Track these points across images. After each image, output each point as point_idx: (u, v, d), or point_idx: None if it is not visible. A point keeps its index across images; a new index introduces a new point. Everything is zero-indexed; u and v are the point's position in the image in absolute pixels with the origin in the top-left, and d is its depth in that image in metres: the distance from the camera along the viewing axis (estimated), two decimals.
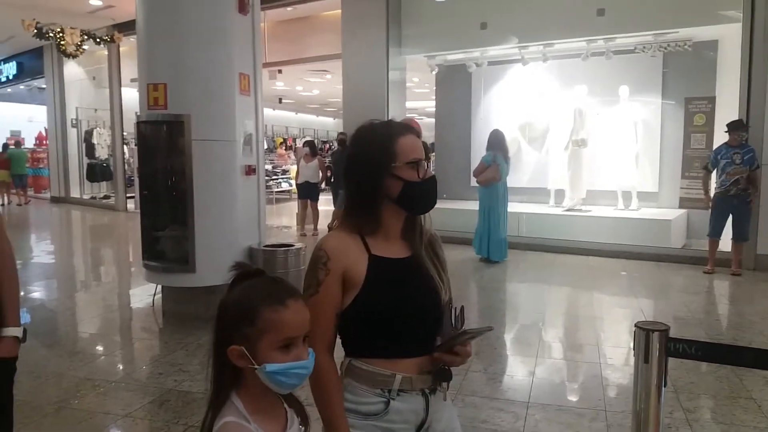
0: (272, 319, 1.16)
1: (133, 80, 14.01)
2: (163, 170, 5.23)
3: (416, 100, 18.25)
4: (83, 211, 14.56)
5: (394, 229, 1.52)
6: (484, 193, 7.97)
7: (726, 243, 7.23)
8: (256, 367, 1.15)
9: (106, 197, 15.25)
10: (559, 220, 9.13)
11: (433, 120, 18.29)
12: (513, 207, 8.51)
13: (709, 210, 7.27)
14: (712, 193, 7.25)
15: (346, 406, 1.45)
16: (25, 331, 1.78)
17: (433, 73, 11.12)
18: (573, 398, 3.83)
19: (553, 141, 10.36)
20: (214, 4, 5.13)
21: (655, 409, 1.60)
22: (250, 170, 5.43)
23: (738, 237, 7.05)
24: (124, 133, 14.44)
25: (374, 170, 1.48)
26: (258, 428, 1.16)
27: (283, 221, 11.55)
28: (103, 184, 15.55)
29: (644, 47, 9.01)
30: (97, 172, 15.14)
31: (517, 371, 4.20)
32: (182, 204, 5.07)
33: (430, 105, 18.46)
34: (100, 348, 4.94)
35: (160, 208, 5.29)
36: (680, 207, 8.72)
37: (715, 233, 7.15)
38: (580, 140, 9.47)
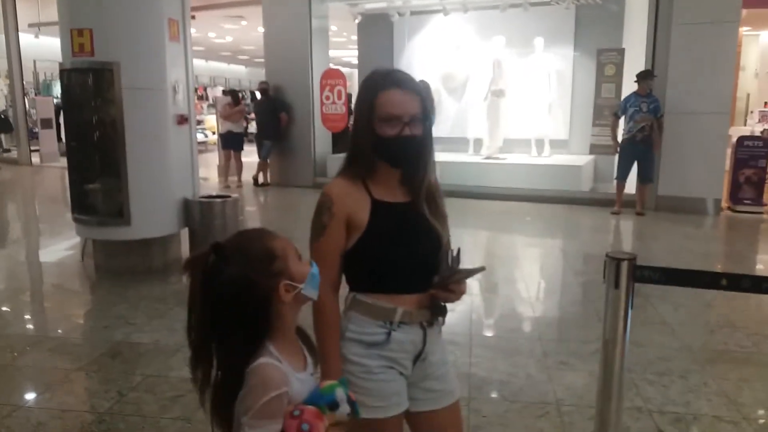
0: (281, 244, 1.29)
1: (31, 25, 12.96)
2: (92, 120, 4.99)
3: (335, 49, 17.98)
4: None
5: (392, 175, 1.59)
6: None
7: (631, 186, 7.85)
8: (301, 286, 1.27)
9: (6, 150, 14.19)
10: (478, 167, 9.52)
11: (351, 70, 18.19)
12: (436, 156, 8.74)
13: (617, 155, 7.85)
14: (619, 139, 7.80)
15: (351, 337, 1.57)
16: None
17: (356, 21, 11.03)
18: (508, 332, 4.17)
19: (472, 91, 10.65)
20: None
21: (623, 331, 1.84)
22: (182, 119, 5.29)
23: (643, 179, 7.68)
24: (24, 83, 13.36)
25: (360, 121, 1.55)
26: (289, 367, 1.26)
27: (201, 173, 11.22)
28: (2, 136, 14.41)
29: (558, 0, 9.38)
30: None
31: (453, 310, 4.49)
32: (113, 155, 4.89)
33: (348, 54, 18.30)
34: (35, 305, 4.79)
35: (89, 160, 5.07)
36: (591, 153, 9.31)
37: (622, 176, 7.75)
38: (498, 90, 9.80)
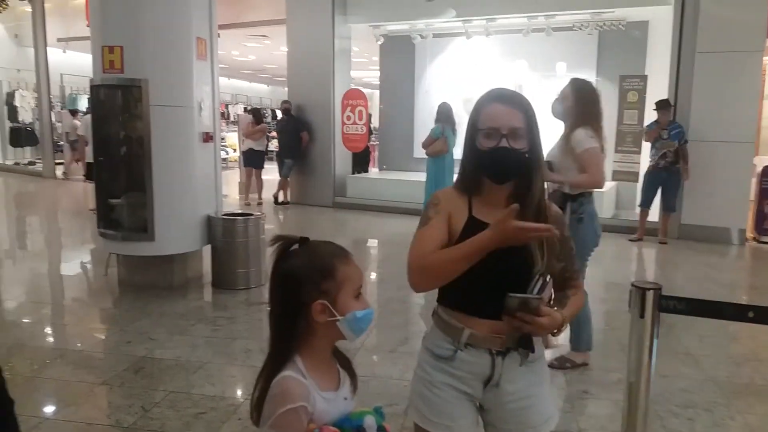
0: (347, 272, 1.30)
1: (60, 40, 13.26)
2: (119, 136, 5.07)
3: (356, 70, 18.18)
4: (6, 177, 13.73)
5: (496, 195, 1.56)
6: (431, 165, 8.16)
7: (654, 214, 7.78)
8: (339, 318, 1.27)
9: (31, 163, 14.44)
10: None
11: (371, 90, 18.35)
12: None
13: (640, 182, 7.80)
14: (645, 166, 7.75)
15: (426, 345, 1.63)
16: None
17: (378, 43, 11.15)
18: None
19: None
20: None
21: (648, 361, 1.81)
22: (208, 137, 5.37)
23: (667, 208, 7.62)
24: (51, 96, 13.64)
25: (467, 136, 1.57)
26: (314, 384, 1.27)
27: (223, 190, 11.37)
28: (28, 149, 14.67)
29: (581, 25, 9.42)
30: (20, 136, 14.25)
31: None
32: (139, 171, 4.96)
33: (369, 75, 18.47)
34: (56, 318, 4.83)
35: (116, 175, 5.15)
36: (613, 180, 9.25)
37: (646, 204, 7.68)
38: None
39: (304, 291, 1.27)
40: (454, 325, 1.57)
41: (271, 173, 11.26)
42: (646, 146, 7.88)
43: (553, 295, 1.56)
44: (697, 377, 3.67)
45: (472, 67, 10.91)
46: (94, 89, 5.17)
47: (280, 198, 10.42)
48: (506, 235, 1.39)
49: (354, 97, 10.29)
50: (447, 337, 1.58)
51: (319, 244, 1.35)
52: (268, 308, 1.34)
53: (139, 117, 4.92)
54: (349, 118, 10.18)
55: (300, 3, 10.19)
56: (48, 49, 13.14)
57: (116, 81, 4.91)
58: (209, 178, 5.43)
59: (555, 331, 1.50)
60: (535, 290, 1.47)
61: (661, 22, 8.77)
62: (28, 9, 12.84)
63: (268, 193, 10.59)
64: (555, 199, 3.38)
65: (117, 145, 5.11)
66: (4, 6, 11.52)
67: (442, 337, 1.59)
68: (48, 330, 4.57)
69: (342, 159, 10.54)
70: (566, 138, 3.53)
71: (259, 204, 10.17)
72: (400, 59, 11.65)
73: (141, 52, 4.87)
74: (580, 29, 9.45)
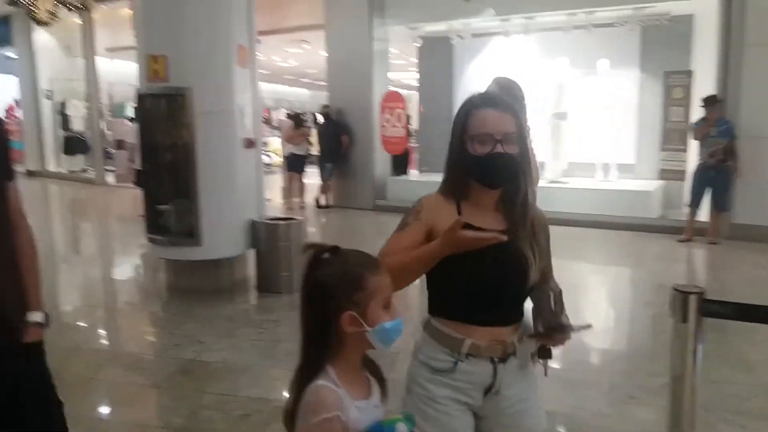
0: (378, 282, 1.30)
1: (108, 49, 13.70)
2: (165, 143, 5.22)
3: (394, 72, 18.21)
4: (60, 184, 14.27)
5: (485, 199, 1.56)
6: None
7: (704, 213, 7.55)
8: (368, 329, 1.27)
9: (83, 170, 14.96)
10: (540, 191, 9.21)
11: (410, 92, 18.34)
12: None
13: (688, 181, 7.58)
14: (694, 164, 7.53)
15: (421, 359, 1.58)
16: (47, 315, 1.77)
17: (416, 44, 11.15)
18: (573, 364, 4.06)
19: (533, 113, 10.52)
20: None
21: (692, 368, 1.77)
22: (250, 143, 5.47)
23: (717, 207, 7.37)
24: (101, 105, 14.13)
25: (452, 142, 1.56)
26: (346, 393, 1.27)
27: (266, 194, 11.57)
28: (80, 157, 15.21)
29: (623, 21, 9.21)
30: (73, 144, 14.79)
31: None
32: (185, 177, 5.10)
33: (408, 77, 18.47)
34: (109, 322, 5.01)
35: (163, 182, 5.30)
36: (660, 178, 9.03)
37: (695, 203, 7.46)
38: (561, 113, 9.68)
39: (333, 301, 1.27)
40: (452, 335, 1.54)
41: (313, 177, 11.38)
42: (693, 143, 7.66)
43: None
44: (750, 383, 3.55)
45: (511, 66, 10.78)
46: (140, 98, 5.34)
47: (322, 201, 10.53)
48: (457, 245, 1.42)
49: (392, 99, 10.32)
50: (445, 349, 1.55)
51: (350, 253, 1.34)
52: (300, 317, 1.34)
53: (183, 124, 5.05)
54: (387, 120, 10.21)
55: (338, 7, 10.27)
56: (97, 58, 13.64)
57: (161, 90, 5.06)
58: (252, 183, 5.54)
59: None
60: (559, 307, 1.51)
61: (707, 15, 8.50)
62: (78, 21, 13.34)
63: (310, 197, 10.72)
64: None
65: (163, 153, 5.26)
66: (56, 19, 11.98)
67: (440, 349, 1.55)
68: (101, 333, 4.75)
69: (382, 162, 10.58)
70: None
71: (301, 208, 10.29)
72: (438, 60, 11.62)
73: (184, 61, 5.00)
74: (622, 25, 9.25)
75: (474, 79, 11.32)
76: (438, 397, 1.53)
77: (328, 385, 1.26)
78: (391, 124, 10.19)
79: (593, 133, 9.78)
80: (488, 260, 1.47)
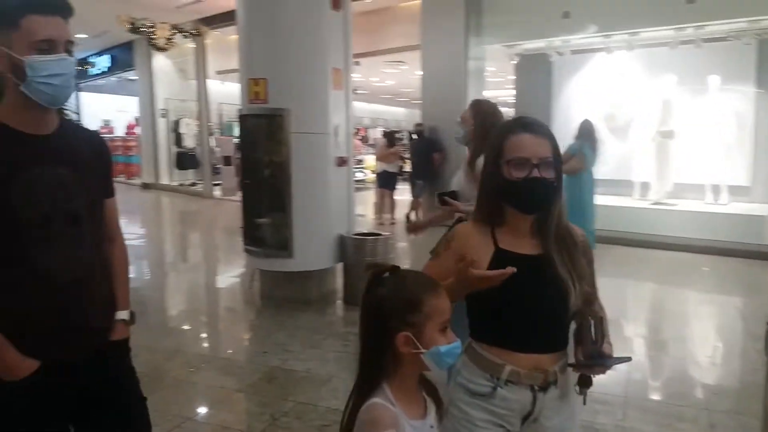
0: (435, 305, 1.30)
1: (218, 72, 14.61)
2: (264, 161, 5.49)
3: (492, 90, 18.08)
4: (172, 197, 15.32)
5: (520, 224, 1.54)
6: (568, 183, 7.84)
7: None
8: (423, 351, 1.27)
9: (193, 184, 15.98)
10: (644, 213, 8.91)
11: (508, 110, 18.12)
12: (596, 199, 8.38)
13: None
14: None
15: (460, 381, 1.57)
16: (133, 314, 1.87)
17: (513, 62, 11.02)
18: (670, 397, 3.82)
19: (638, 132, 10.09)
20: (310, 2, 5.33)
21: None
22: (342, 161, 5.63)
23: None
24: (210, 123, 15.06)
25: (488, 166, 1.55)
26: (402, 412, 1.28)
27: (359, 210, 11.79)
28: (190, 171, 16.27)
29: (737, 34, 8.63)
30: (184, 160, 15.86)
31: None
32: (281, 193, 5.33)
33: (506, 95, 18.28)
34: (203, 327, 5.31)
35: (261, 197, 5.56)
36: None
37: None
38: (667, 131, 9.20)
39: (390, 321, 1.28)
40: (493, 361, 1.52)
41: (404, 194, 11.49)
42: None
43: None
44: None
45: (613, 83, 10.41)
46: (242, 118, 5.65)
47: (412, 218, 10.59)
48: (469, 284, 1.43)
49: None
50: (485, 374, 1.53)
51: (409, 274, 1.36)
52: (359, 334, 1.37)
53: (281, 143, 5.29)
54: None
55: (434, 28, 10.37)
56: (208, 81, 14.57)
57: (261, 111, 5.34)
58: (343, 199, 5.69)
59: None
60: (597, 335, 1.45)
61: None
62: (192, 45, 14.34)
63: (401, 213, 10.81)
64: None
65: (261, 169, 5.53)
66: (171, 44, 12.95)
67: (479, 374, 1.54)
68: (199, 337, 5.03)
69: None
70: (470, 164, 3.16)
71: (392, 224, 10.40)
72: (536, 77, 11.40)
73: (283, 84, 5.25)
74: (736, 39, 8.67)
75: (573, 95, 11.03)
76: (476, 420, 1.52)
77: (383, 403, 1.28)
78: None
79: (703, 152, 9.20)
80: (526, 286, 1.47)
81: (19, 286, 1.58)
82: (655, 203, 9.13)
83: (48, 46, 1.52)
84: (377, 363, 1.31)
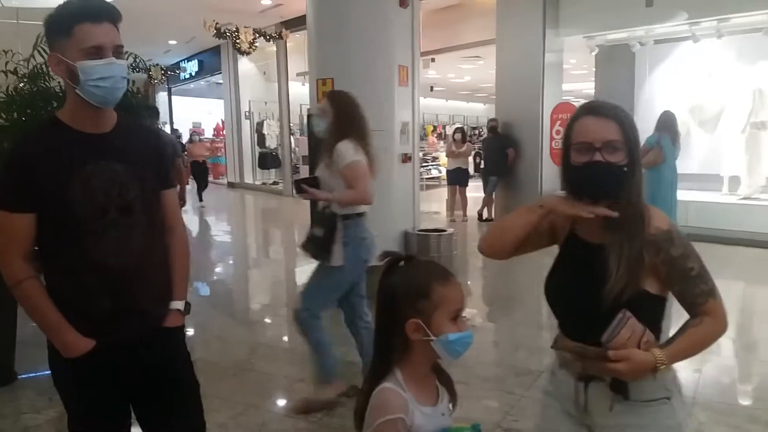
0: (444, 293, 1.32)
1: (299, 74, 15.05)
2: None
3: (574, 82, 17.56)
4: (255, 195, 15.94)
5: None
6: (648, 177, 7.52)
7: None
8: (433, 338, 1.31)
9: (274, 183, 16.56)
10: (734, 209, 8.40)
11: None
12: (681, 194, 7.98)
13: None
14: None
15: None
16: (188, 304, 1.96)
17: (593, 54, 10.67)
18: (745, 399, 3.61)
19: (727, 123, 9.49)
20: (377, 1, 5.41)
21: None
22: (406, 158, 5.69)
23: None
24: (291, 124, 15.54)
25: (562, 153, 1.53)
26: (412, 398, 1.31)
27: (433, 207, 11.82)
28: (272, 171, 16.87)
29: None
30: (267, 159, 16.46)
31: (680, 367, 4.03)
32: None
33: (588, 87, 17.69)
34: (273, 318, 5.52)
35: None
36: None
37: None
38: (760, 122, 8.60)
39: (400, 308, 1.32)
40: (554, 341, 1.58)
41: (477, 191, 11.40)
42: None
43: (646, 334, 1.37)
44: None
45: (701, 72, 9.85)
46: (310, 117, 5.81)
47: (484, 215, 10.49)
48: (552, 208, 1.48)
49: (565, 110, 9.96)
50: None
51: (422, 263, 1.40)
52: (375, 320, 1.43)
53: None
54: (558, 132, 9.88)
55: (509, 21, 10.21)
56: (289, 82, 15.04)
57: None
58: (408, 196, 5.75)
59: (651, 372, 1.36)
60: (611, 329, 1.35)
61: None
62: (273, 49, 14.84)
63: (474, 210, 10.73)
64: (324, 220, 3.15)
65: None
66: (254, 48, 13.47)
67: (558, 354, 1.60)
68: (266, 328, 5.25)
69: (549, 174, 10.24)
70: (330, 153, 3.15)
71: (464, 221, 10.34)
72: (617, 69, 10.96)
73: (349, 83, 5.32)
74: None
75: (657, 86, 10.53)
76: (547, 392, 1.62)
77: (393, 388, 1.32)
78: (561, 136, 9.83)
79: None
80: (576, 273, 1.48)
81: (76, 271, 1.73)
82: (745, 198, 8.56)
83: (97, 52, 1.66)
84: (389, 349, 1.35)
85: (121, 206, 1.75)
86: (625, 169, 1.42)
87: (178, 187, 6.31)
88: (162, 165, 1.95)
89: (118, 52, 1.71)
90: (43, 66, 4.03)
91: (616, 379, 1.41)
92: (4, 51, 4.25)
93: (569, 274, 1.51)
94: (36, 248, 1.75)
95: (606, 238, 1.44)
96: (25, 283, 1.70)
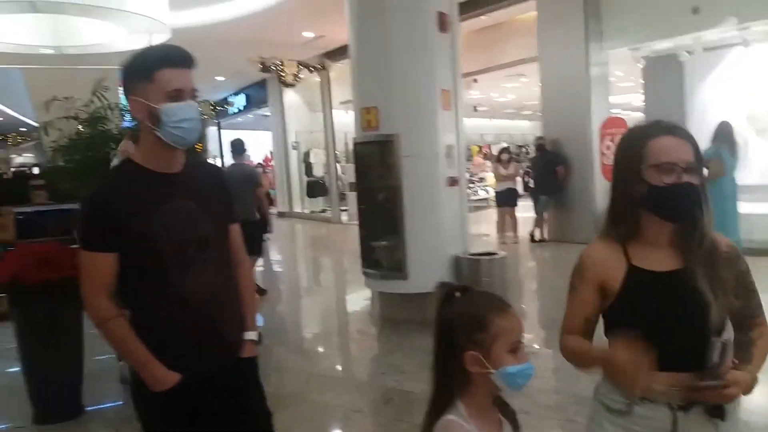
0: (503, 325, 1.31)
1: (342, 103, 15.27)
2: (377, 186, 5.67)
3: (621, 95, 17.21)
4: (304, 224, 16.15)
5: (658, 236, 1.47)
6: (709, 192, 7.25)
7: None
8: (492, 371, 1.29)
9: (323, 211, 16.74)
10: None
11: (639, 114, 17.12)
12: (742, 207, 7.65)
13: None
14: None
15: (599, 398, 1.54)
16: (260, 334, 2.03)
17: (639, 65, 10.45)
18: None
19: None
20: (417, 27, 5.45)
21: None
22: (453, 182, 5.66)
23: None
24: (336, 152, 15.75)
25: (623, 173, 1.48)
26: (475, 430, 1.30)
27: (482, 229, 11.69)
28: (320, 199, 17.08)
29: None
30: (314, 188, 16.69)
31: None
32: (394, 216, 5.46)
33: (637, 99, 17.31)
34: (326, 347, 5.54)
35: (376, 220, 5.74)
36: None
37: None
38: None
39: (458, 340, 1.32)
40: None
41: (527, 211, 11.22)
42: None
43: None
44: None
45: (755, 79, 9.49)
46: (356, 145, 5.89)
47: (537, 236, 10.29)
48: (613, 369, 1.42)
49: (614, 125, 9.78)
50: (620, 390, 1.46)
51: (478, 294, 1.39)
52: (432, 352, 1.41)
53: (392, 167, 5.44)
54: (608, 147, 9.67)
55: (551, 37, 10.12)
56: (333, 111, 15.27)
57: (373, 138, 5.52)
58: (456, 219, 5.70)
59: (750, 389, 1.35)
60: (717, 355, 1.31)
61: None
62: (317, 79, 15.13)
63: (525, 231, 10.56)
64: None
65: (376, 194, 5.71)
66: (298, 80, 13.77)
67: (616, 390, 1.48)
68: (320, 358, 5.26)
69: (602, 191, 10.00)
70: None
71: (515, 243, 10.17)
72: (666, 79, 10.67)
73: (393, 110, 5.41)
74: None
75: (709, 95, 10.20)
76: (624, 427, 1.48)
77: (457, 420, 1.31)
78: (612, 152, 9.61)
79: None
80: (663, 305, 1.42)
81: (160, 306, 1.80)
82: None
83: (178, 95, 1.74)
84: (449, 380, 1.35)
85: (197, 241, 1.82)
86: (702, 190, 1.42)
87: (257, 215, 6.53)
88: (229, 201, 2.03)
89: (194, 95, 1.80)
90: (102, 110, 4.23)
91: (714, 406, 1.39)
92: (65, 98, 4.48)
93: (652, 308, 1.43)
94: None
95: (682, 263, 1.43)
96: (113, 321, 1.77)
